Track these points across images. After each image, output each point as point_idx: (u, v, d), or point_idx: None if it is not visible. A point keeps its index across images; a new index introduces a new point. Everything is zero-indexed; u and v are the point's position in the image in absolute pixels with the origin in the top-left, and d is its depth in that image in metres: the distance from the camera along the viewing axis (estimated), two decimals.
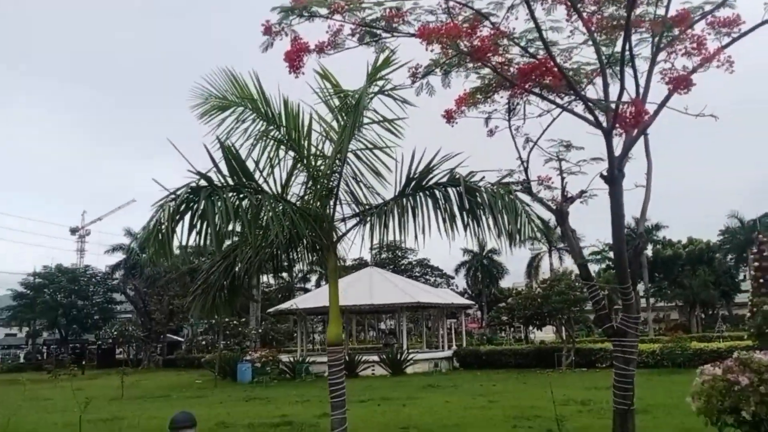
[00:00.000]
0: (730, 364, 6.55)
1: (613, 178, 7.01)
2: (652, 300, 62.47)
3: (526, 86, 7.09)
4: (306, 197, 7.60)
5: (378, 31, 6.92)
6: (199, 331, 45.95)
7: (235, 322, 34.62)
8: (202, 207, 5.55)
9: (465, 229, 6.08)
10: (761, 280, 39.74)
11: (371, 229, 7.02)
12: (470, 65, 7.09)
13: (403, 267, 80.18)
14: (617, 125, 6.79)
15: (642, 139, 7.83)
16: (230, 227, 6.24)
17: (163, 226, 5.53)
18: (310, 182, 7.57)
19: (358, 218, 7.61)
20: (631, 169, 7.96)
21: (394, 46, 6.57)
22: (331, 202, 7.47)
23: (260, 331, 39.82)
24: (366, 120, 6.96)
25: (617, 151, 7.15)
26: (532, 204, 7.80)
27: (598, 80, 7.40)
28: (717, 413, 6.35)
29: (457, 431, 11.58)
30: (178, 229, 5.59)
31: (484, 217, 6.03)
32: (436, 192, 6.21)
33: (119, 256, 58.10)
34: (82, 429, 11.21)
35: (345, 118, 7.04)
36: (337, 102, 7.35)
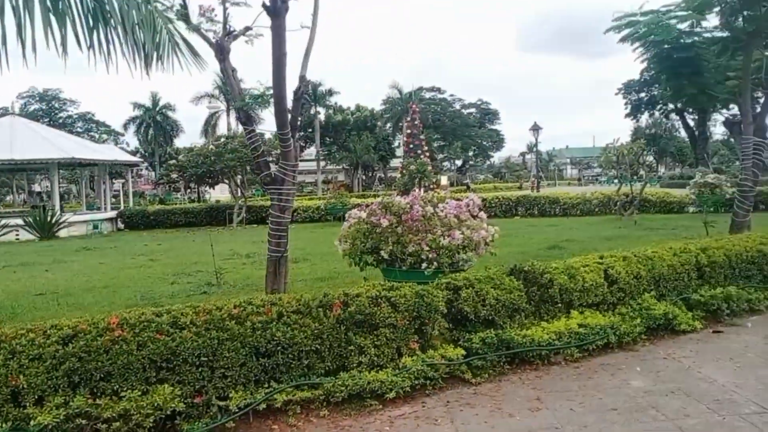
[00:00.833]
0: (374, 208, 6.67)
1: (277, 9, 6.26)
2: (322, 163, 66.86)
3: None
4: None
5: None
6: None
7: None
8: None
9: (88, 47, 4.63)
10: (411, 146, 45.35)
11: None
12: None
13: (62, 121, 70.31)
14: None
15: None
16: None
17: None
18: None
19: None
20: (296, 8, 7.30)
21: None
22: None
23: None
24: None
25: None
26: (188, 35, 6.64)
27: None
28: (360, 254, 6.48)
29: (105, 293, 10.35)
30: None
31: (114, 31, 4.65)
32: None
33: None
34: None
35: None
36: None
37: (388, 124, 68.74)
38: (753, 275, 7.19)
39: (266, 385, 4.27)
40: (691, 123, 64.76)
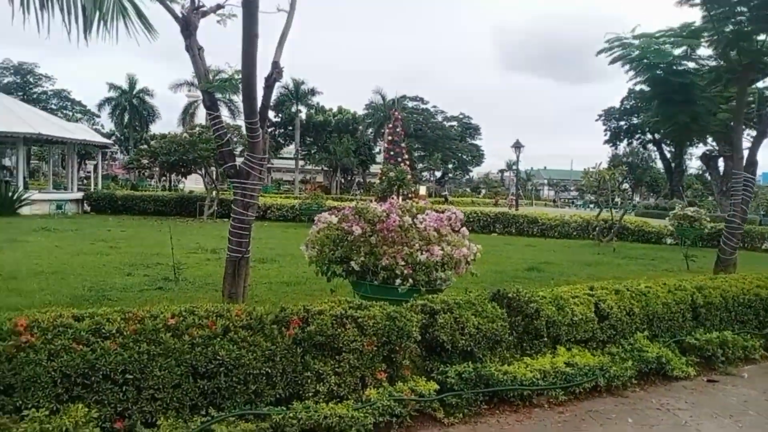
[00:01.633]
0: (347, 213, 6.05)
1: None
2: (301, 162, 66.00)
3: None
4: None
5: None
6: None
7: None
8: None
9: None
10: (391, 153, 44.89)
11: None
12: None
13: (35, 96, 68.29)
14: None
15: None
16: None
17: None
18: None
19: None
20: None
21: None
22: None
23: None
24: None
25: None
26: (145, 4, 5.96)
27: None
28: (328, 263, 5.84)
29: (53, 279, 9.52)
30: None
31: None
32: None
33: None
34: None
35: None
36: None
37: (370, 130, 68.15)
38: (749, 320, 6.71)
39: (204, 413, 3.61)
40: (668, 155, 65.45)
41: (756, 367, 6.15)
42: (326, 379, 3.94)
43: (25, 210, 24.20)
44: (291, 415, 3.67)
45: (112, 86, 64.58)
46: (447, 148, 75.70)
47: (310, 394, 3.88)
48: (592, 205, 60.00)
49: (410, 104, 75.40)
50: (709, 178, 55.31)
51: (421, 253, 5.66)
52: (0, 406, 3.22)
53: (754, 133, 11.63)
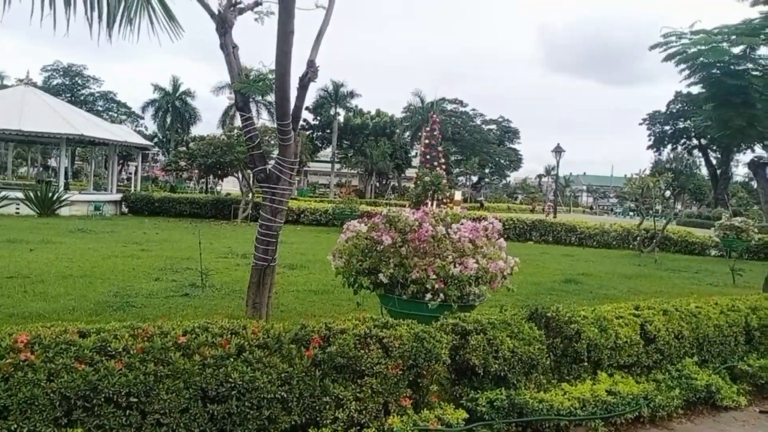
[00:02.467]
0: (377, 221, 5.75)
1: None
2: (337, 166, 66.12)
3: None
4: None
5: None
6: None
7: None
8: None
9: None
10: (428, 156, 44.51)
11: None
12: None
13: (83, 98, 70.13)
14: None
15: None
16: None
17: None
18: None
19: None
20: None
21: None
22: None
23: None
24: None
25: None
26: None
27: None
28: (355, 274, 5.56)
29: (81, 283, 9.49)
30: None
31: None
32: None
33: None
34: None
35: None
36: None
37: (407, 133, 67.85)
38: None
39: None
40: (714, 161, 63.44)
41: None
42: (346, 405, 3.65)
43: (64, 211, 24.64)
44: None
45: (157, 87, 65.85)
46: (484, 152, 74.88)
47: (329, 421, 3.59)
48: (632, 213, 58.56)
49: (449, 107, 74.84)
50: (755, 186, 53.31)
51: (454, 266, 5.33)
52: None
53: None
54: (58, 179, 28.73)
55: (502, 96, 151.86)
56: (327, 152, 67.37)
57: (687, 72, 10.41)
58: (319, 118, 65.44)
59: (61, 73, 70.04)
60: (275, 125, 8.03)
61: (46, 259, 11.78)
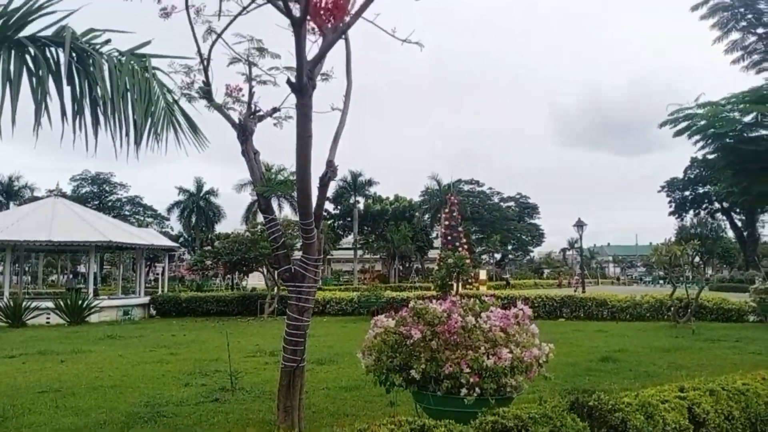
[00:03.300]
0: (404, 315, 5.71)
1: (302, 86, 5.66)
2: (360, 252, 66.42)
3: None
4: None
5: None
6: None
7: None
8: None
9: (72, 119, 3.99)
10: (449, 237, 44.58)
11: None
12: None
13: (110, 204, 72.34)
14: (311, 18, 5.45)
15: (345, 55, 6.72)
16: None
17: None
18: None
19: None
20: (329, 92, 6.78)
21: None
22: None
23: None
24: None
25: (312, 56, 5.88)
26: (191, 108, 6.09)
27: None
28: (386, 372, 5.47)
29: (111, 394, 9.44)
30: None
31: (101, 101, 4.01)
32: (32, 51, 3.95)
33: None
34: None
35: None
36: None
37: (426, 215, 68.39)
38: None
39: None
40: (739, 223, 62.57)
41: None
42: None
43: (93, 317, 24.88)
44: None
45: (181, 190, 67.79)
46: (505, 229, 74.90)
47: None
48: (662, 282, 57.24)
49: (466, 187, 75.70)
50: None
51: (488, 357, 5.22)
52: None
53: None
54: (87, 285, 29.17)
55: (518, 173, 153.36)
56: (349, 240, 67.92)
57: (701, 143, 10.54)
58: (339, 207, 66.50)
59: (90, 181, 72.64)
60: (297, 219, 8.17)
61: (77, 370, 11.79)
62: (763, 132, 10.44)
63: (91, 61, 3.88)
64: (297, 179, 6.06)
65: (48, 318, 24.42)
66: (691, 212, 69.36)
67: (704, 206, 67.08)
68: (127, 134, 4.10)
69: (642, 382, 8.86)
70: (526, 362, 5.26)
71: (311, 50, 5.96)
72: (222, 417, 7.44)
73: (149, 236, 32.29)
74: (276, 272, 7.52)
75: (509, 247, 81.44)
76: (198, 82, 6.55)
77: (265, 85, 6.77)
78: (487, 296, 6.31)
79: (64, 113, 3.86)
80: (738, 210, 58.14)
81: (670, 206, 68.93)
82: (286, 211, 55.34)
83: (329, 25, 5.61)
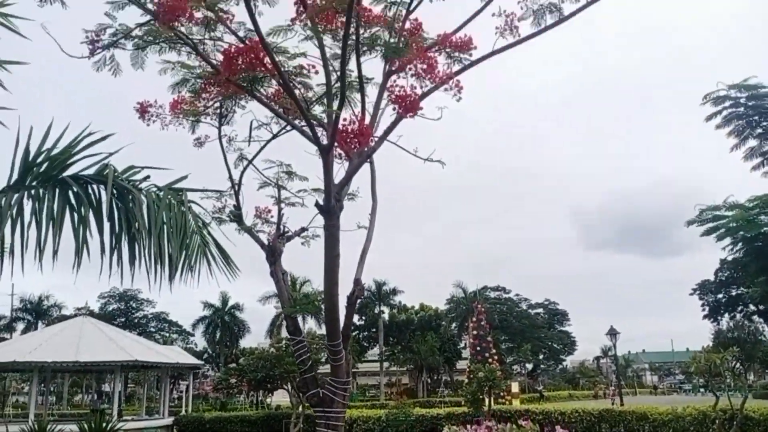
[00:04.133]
0: None
1: (330, 209, 5.86)
2: (386, 364, 64.80)
3: (234, 77, 5.62)
4: None
5: None
6: None
7: None
8: None
9: (110, 253, 4.17)
10: (477, 348, 43.42)
11: None
12: (164, 42, 5.46)
13: (137, 321, 72.62)
14: (338, 144, 5.73)
15: (369, 175, 6.99)
16: None
17: None
18: None
19: None
20: (354, 209, 7.01)
21: None
22: None
23: None
24: None
25: (338, 179, 6.13)
26: (239, 234, 6.30)
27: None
28: None
29: None
30: None
31: (139, 235, 4.20)
32: (74, 189, 4.20)
33: None
34: None
35: None
36: None
37: (453, 324, 67.13)
38: None
39: None
40: None
41: None
42: None
43: None
44: None
45: (207, 305, 67.99)
46: (535, 337, 72.90)
47: None
48: (702, 390, 54.25)
49: (492, 294, 74.68)
50: None
51: None
52: None
53: None
54: (111, 406, 28.70)
55: (545, 278, 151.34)
56: (374, 352, 66.57)
57: (730, 246, 10.52)
58: (364, 317, 65.75)
59: (117, 298, 73.40)
60: (323, 332, 8.12)
61: None
62: None
63: (130, 197, 4.11)
64: (324, 299, 6.13)
65: None
66: (727, 315, 67.09)
67: (740, 309, 64.92)
68: (162, 266, 4.24)
69: None
70: None
71: (338, 173, 6.24)
72: None
73: (174, 354, 32.06)
74: (305, 396, 7.36)
75: (540, 357, 78.85)
76: (229, 206, 6.83)
77: (293, 207, 7.03)
78: (523, 421, 6.10)
79: (103, 249, 4.04)
80: None
81: (704, 309, 66.84)
82: (309, 324, 54.87)
83: (355, 151, 5.89)
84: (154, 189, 4.41)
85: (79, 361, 25.16)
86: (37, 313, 65.77)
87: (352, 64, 6.13)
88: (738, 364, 23.52)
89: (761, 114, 10.85)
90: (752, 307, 61.66)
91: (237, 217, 6.75)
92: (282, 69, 5.66)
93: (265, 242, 6.97)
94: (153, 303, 74.70)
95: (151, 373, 36.85)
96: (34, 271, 4.00)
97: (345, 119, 5.58)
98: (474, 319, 45.97)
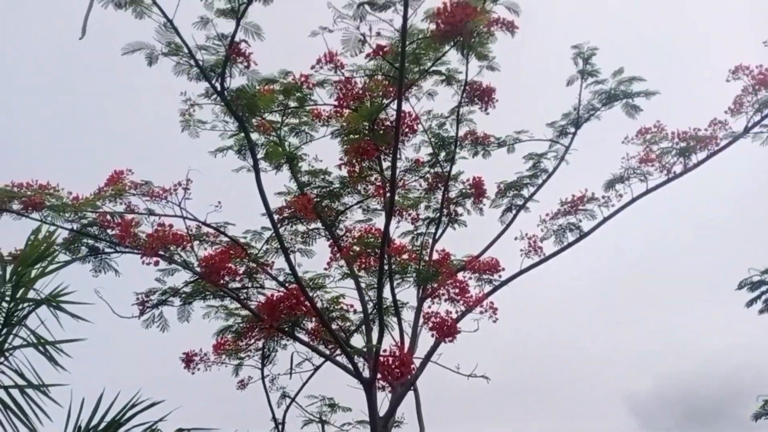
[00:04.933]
0: None
1: None
2: None
3: (276, 323, 5.83)
4: None
5: None
6: None
7: None
8: None
9: None
10: None
11: None
12: (210, 295, 5.79)
13: None
14: (380, 376, 5.73)
15: (414, 399, 6.84)
16: None
17: None
18: None
19: None
20: None
21: None
22: None
23: None
24: None
25: (383, 411, 5.99)
26: None
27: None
28: None
29: None
30: None
31: None
32: None
33: None
34: None
35: None
36: None
37: None
38: None
39: None
40: None
41: None
42: None
43: None
44: None
45: None
46: None
47: None
48: None
49: None
50: None
51: None
52: None
53: None
54: None
55: None
56: None
57: None
58: None
59: None
60: None
61: None
62: None
63: None
64: None
65: None
66: None
67: None
68: None
69: None
70: None
71: (383, 403, 6.14)
72: None
73: None
74: None
75: None
76: None
77: None
78: None
79: None
80: None
81: None
82: None
83: (396, 381, 5.87)
84: None
85: None
86: None
87: (386, 292, 6.43)
88: None
89: None
90: None
91: None
92: (320, 306, 5.93)
93: None
94: None
95: None
96: None
97: (385, 350, 5.68)
98: None
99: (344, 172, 7.62)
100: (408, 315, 6.95)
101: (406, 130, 7.19)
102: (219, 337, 6.97)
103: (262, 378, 6.68)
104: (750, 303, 11.71)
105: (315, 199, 7.22)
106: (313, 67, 6.69)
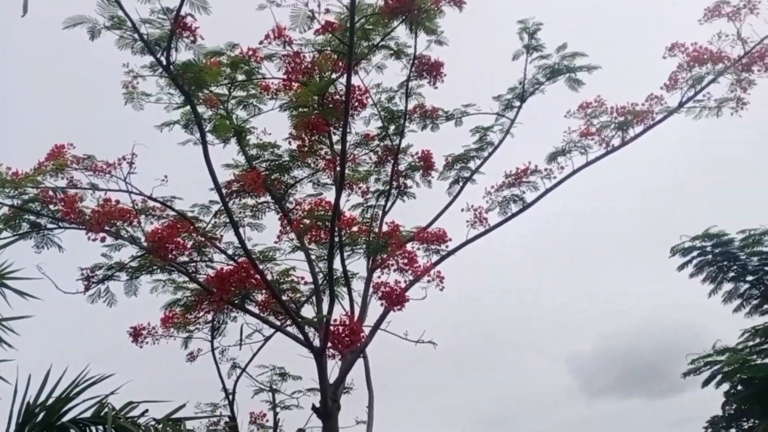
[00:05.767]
0: None
1: (327, 410, 5.86)
2: None
3: (227, 297, 5.89)
4: None
5: None
6: None
7: None
8: None
9: None
10: None
11: None
12: (158, 269, 5.78)
13: None
14: (331, 345, 5.89)
15: (363, 366, 7.06)
16: None
17: None
18: None
19: None
20: (352, 400, 6.96)
21: None
22: None
23: None
24: None
25: (333, 378, 6.19)
26: None
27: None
28: None
29: None
30: None
31: None
32: None
33: None
34: None
35: None
36: None
37: None
38: None
39: None
40: None
41: None
42: None
43: None
44: None
45: None
46: None
47: None
48: None
49: None
50: None
51: None
52: None
53: None
54: None
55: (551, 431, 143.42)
56: None
57: (731, 389, 10.79)
58: None
59: None
60: None
61: None
62: None
63: None
64: None
65: None
66: None
67: None
68: None
69: None
70: None
71: (333, 371, 6.31)
72: None
73: None
74: None
75: None
76: (224, 418, 6.75)
77: (289, 410, 6.96)
78: None
79: None
80: None
81: None
82: None
83: (347, 350, 6.04)
84: (153, 423, 4.44)
85: None
86: None
87: (336, 263, 6.58)
88: None
89: (729, 259, 11.60)
90: None
91: (233, 429, 6.65)
92: (270, 279, 6.01)
93: None
94: None
95: None
96: None
97: (336, 319, 5.84)
98: None
99: (294, 146, 7.69)
100: (358, 285, 7.17)
101: (356, 104, 7.29)
102: (167, 311, 7.04)
103: (212, 350, 6.78)
104: (681, 267, 12.49)
105: (264, 173, 7.27)
106: (261, 43, 6.70)
